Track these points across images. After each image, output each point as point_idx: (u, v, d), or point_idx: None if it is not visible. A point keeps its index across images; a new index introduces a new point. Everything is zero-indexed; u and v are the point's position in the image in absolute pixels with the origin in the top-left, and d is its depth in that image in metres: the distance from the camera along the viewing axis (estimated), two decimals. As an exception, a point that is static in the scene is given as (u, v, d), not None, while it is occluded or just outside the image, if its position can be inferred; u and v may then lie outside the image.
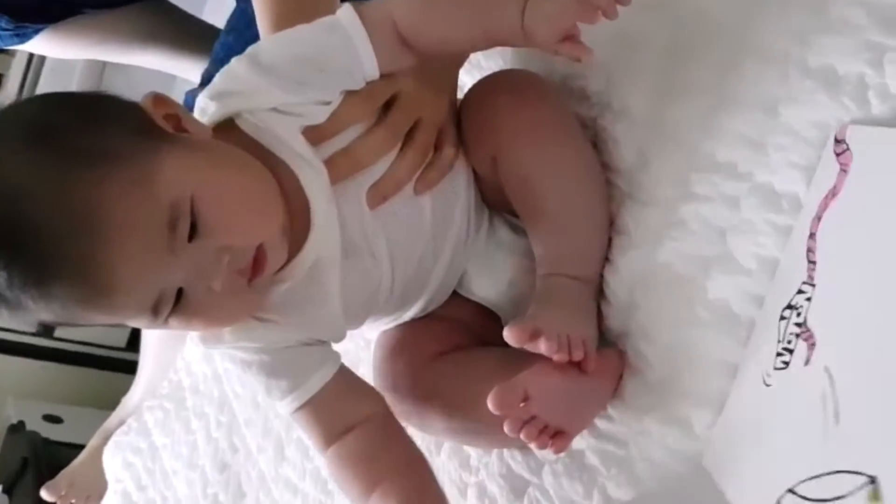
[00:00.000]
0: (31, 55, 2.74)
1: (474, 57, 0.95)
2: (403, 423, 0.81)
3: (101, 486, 1.69)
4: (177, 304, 0.67)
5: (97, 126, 0.66)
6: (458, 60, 0.84)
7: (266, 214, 0.69)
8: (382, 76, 0.74)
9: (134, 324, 0.70)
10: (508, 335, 0.67)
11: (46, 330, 3.16)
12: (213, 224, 0.65)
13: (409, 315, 0.84)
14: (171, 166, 0.65)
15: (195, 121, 0.72)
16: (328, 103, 0.73)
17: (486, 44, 0.74)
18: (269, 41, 0.76)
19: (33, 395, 3.03)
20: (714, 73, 0.69)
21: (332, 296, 0.75)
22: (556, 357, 0.67)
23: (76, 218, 0.61)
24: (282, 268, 0.72)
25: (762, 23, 0.67)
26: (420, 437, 0.91)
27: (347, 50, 0.71)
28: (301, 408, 0.76)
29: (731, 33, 0.69)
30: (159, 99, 0.70)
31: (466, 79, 0.94)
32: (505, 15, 0.66)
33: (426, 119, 0.77)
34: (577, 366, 0.69)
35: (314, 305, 0.75)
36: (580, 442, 0.74)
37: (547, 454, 0.77)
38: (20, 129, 0.66)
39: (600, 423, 0.74)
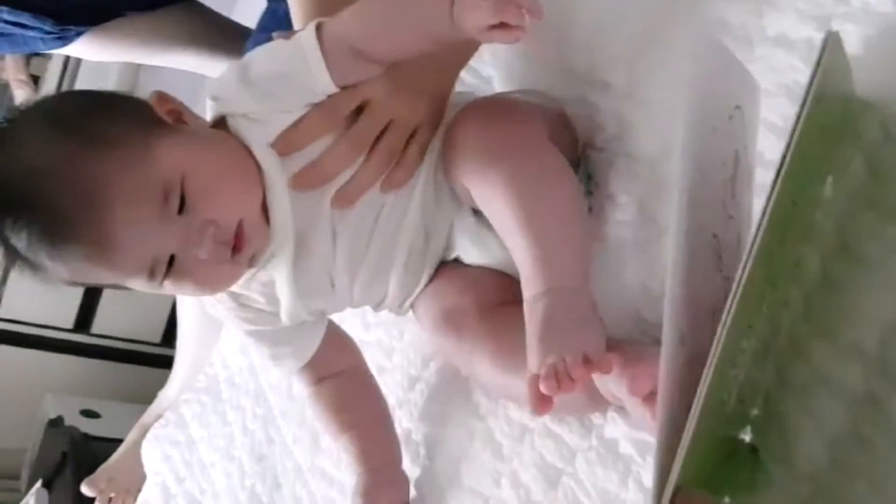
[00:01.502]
0: (68, 57, 2.78)
1: (505, 58, 0.96)
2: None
3: (140, 481, 1.72)
4: (170, 270, 0.76)
5: (108, 115, 0.77)
6: (442, 62, 0.84)
7: (245, 194, 0.78)
8: (349, 87, 0.79)
9: (134, 285, 0.78)
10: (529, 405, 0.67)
11: (82, 326, 3.21)
12: (200, 200, 0.75)
13: (391, 297, 0.88)
14: (166, 149, 0.75)
15: (193, 115, 0.81)
16: (289, 113, 0.79)
17: (433, 44, 0.77)
18: (258, 51, 0.82)
19: (71, 391, 3.07)
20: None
21: (282, 285, 0.84)
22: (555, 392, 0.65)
23: (84, 189, 0.71)
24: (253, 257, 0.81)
25: (779, 16, 0.67)
26: (451, 428, 0.92)
27: (304, 66, 0.78)
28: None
29: (748, 26, 0.70)
30: (163, 97, 0.80)
31: (493, 72, 0.96)
32: (438, 14, 0.71)
33: (397, 122, 0.81)
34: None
35: (274, 290, 0.85)
36: (614, 431, 0.75)
37: (580, 442, 0.78)
38: (42, 115, 0.77)
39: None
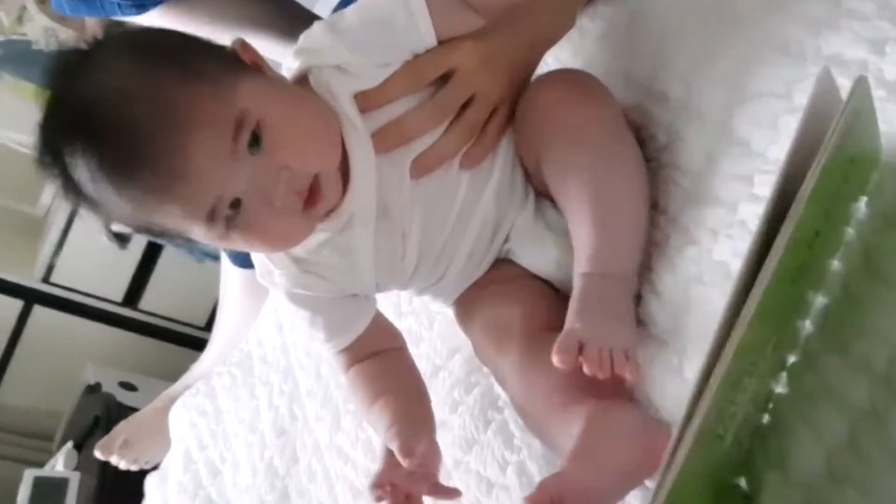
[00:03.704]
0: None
1: (567, 61, 0.98)
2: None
3: (153, 450, 1.75)
4: (237, 217, 0.73)
5: (195, 49, 0.76)
6: (532, 39, 0.85)
7: (325, 147, 0.76)
8: (442, 49, 0.80)
9: (195, 230, 0.75)
10: (557, 362, 0.66)
11: (131, 300, 3.28)
12: (277, 142, 0.72)
13: (445, 281, 0.87)
14: (247, 87, 0.73)
15: (273, 69, 0.79)
16: (388, 65, 0.79)
17: None
18: (350, 7, 0.81)
19: (112, 363, 3.13)
20: (784, 81, 0.71)
21: (362, 251, 0.82)
22: (599, 375, 0.65)
23: (164, 115, 0.69)
24: (326, 217, 0.79)
25: (836, 37, 0.68)
26: (469, 414, 0.94)
27: (405, 12, 0.78)
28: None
29: (804, 45, 0.71)
30: (246, 44, 0.79)
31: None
32: None
33: (480, 96, 0.81)
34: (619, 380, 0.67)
35: (349, 257, 0.82)
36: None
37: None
38: (125, 43, 0.76)
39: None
